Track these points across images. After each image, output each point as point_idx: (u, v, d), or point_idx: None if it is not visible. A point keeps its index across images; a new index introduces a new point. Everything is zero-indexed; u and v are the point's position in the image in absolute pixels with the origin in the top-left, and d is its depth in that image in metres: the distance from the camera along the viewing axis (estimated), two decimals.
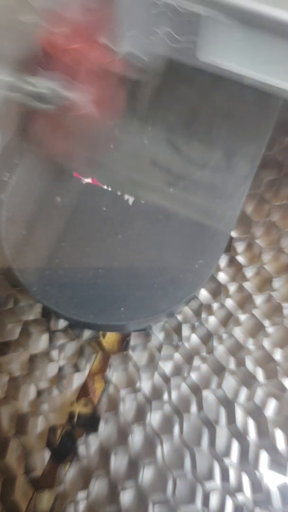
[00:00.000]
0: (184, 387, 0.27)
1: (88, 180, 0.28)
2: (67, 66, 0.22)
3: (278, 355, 0.28)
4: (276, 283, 0.29)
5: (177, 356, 0.28)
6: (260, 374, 0.28)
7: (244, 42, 0.22)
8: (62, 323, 0.29)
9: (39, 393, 0.27)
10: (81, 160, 0.28)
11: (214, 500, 0.25)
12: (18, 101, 0.23)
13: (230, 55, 0.23)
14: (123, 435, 0.26)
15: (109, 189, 0.29)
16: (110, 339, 0.29)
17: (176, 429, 0.26)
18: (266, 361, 0.28)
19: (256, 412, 0.27)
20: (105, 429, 0.27)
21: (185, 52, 0.22)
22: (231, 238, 0.31)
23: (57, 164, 0.29)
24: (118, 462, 0.26)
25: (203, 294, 0.30)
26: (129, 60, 0.23)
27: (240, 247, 0.31)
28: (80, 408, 0.27)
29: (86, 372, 0.28)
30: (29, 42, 0.22)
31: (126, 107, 0.27)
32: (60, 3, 0.21)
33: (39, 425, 0.27)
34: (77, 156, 0.28)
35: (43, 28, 0.22)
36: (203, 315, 0.29)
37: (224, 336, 0.28)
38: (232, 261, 0.30)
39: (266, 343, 0.28)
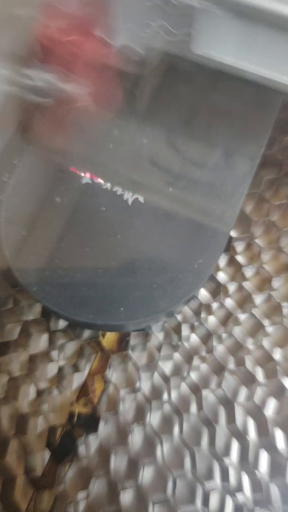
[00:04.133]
0: (184, 386, 0.27)
1: (87, 177, 0.28)
2: (64, 59, 0.22)
3: (277, 354, 0.28)
4: (276, 283, 0.29)
5: (177, 356, 0.28)
6: (260, 374, 0.27)
7: (240, 35, 0.21)
8: (61, 323, 0.29)
9: (39, 393, 0.27)
10: (78, 155, 0.28)
11: (214, 500, 0.25)
12: (13, 94, 0.23)
13: (226, 48, 0.22)
14: (123, 435, 0.26)
15: (108, 188, 0.29)
16: (109, 339, 0.29)
17: (176, 429, 0.26)
18: (266, 360, 0.28)
19: (256, 412, 0.27)
20: (105, 429, 0.27)
21: (180, 45, 0.22)
22: (231, 238, 0.31)
23: (57, 164, 0.29)
24: (118, 462, 0.26)
25: (203, 293, 0.30)
26: (125, 53, 0.23)
27: (239, 246, 0.31)
28: (80, 408, 0.27)
29: (86, 372, 0.28)
30: (24, 36, 0.22)
31: (123, 102, 0.27)
32: None
33: (39, 425, 0.27)
34: (74, 150, 0.28)
35: (39, 22, 0.22)
36: (203, 315, 0.29)
37: (224, 335, 0.28)
38: (232, 261, 0.30)
39: (266, 343, 0.28)
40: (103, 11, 0.21)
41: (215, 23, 0.21)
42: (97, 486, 0.25)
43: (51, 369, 0.28)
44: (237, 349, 0.28)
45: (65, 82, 0.22)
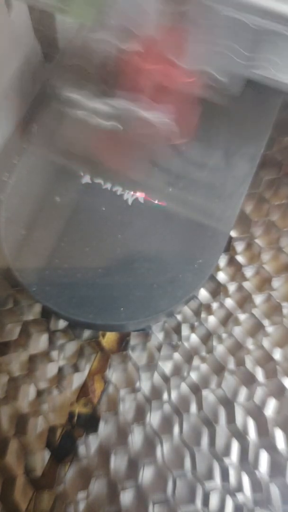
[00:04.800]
0: (184, 386, 0.27)
1: (85, 174, 0.28)
2: (145, 86, 0.21)
3: (277, 354, 0.28)
4: (276, 283, 0.29)
5: (177, 356, 0.28)
6: (259, 374, 0.28)
7: None
8: (61, 323, 0.29)
9: (39, 393, 0.27)
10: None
11: (214, 500, 0.25)
12: (90, 121, 0.23)
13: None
14: (123, 435, 0.26)
15: (108, 188, 0.29)
16: (109, 339, 0.29)
17: (176, 429, 0.26)
18: (266, 360, 0.28)
19: (256, 412, 0.27)
20: (105, 429, 0.27)
21: (259, 71, 0.22)
22: (231, 238, 0.31)
23: (56, 164, 0.29)
24: (118, 462, 0.26)
25: (203, 293, 0.30)
26: (205, 79, 0.22)
27: (239, 246, 0.31)
28: (80, 408, 0.27)
29: (86, 372, 0.28)
30: (102, 61, 0.22)
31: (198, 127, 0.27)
32: (134, 21, 0.20)
33: (39, 425, 0.27)
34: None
35: (113, 45, 0.21)
36: (203, 315, 0.29)
37: (224, 335, 0.28)
38: (232, 261, 0.30)
39: (266, 343, 0.28)
40: (180, 35, 0.20)
41: (282, 43, 0.20)
42: (97, 486, 0.25)
43: (51, 369, 0.28)
44: (237, 349, 0.28)
45: (145, 110, 0.21)
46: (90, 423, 0.27)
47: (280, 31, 0.19)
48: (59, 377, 0.28)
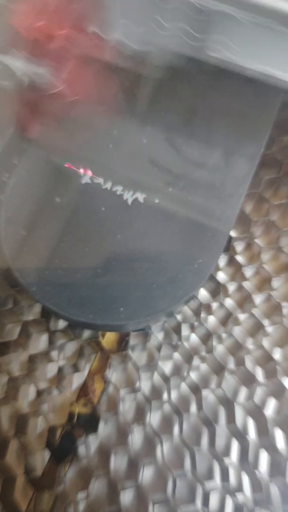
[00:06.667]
0: (184, 386, 0.27)
1: (88, 175, 0.28)
2: (48, 51, 0.22)
3: (277, 354, 0.28)
4: (276, 283, 0.29)
5: (177, 355, 0.28)
6: (259, 374, 0.27)
7: (253, 35, 0.21)
8: (61, 323, 0.29)
9: (39, 393, 0.27)
10: (77, 154, 0.28)
11: (214, 500, 0.25)
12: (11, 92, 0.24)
13: (243, 50, 0.22)
14: (123, 435, 0.26)
15: (108, 188, 0.29)
16: (109, 339, 0.29)
17: (176, 429, 0.26)
18: (266, 360, 0.28)
19: (256, 412, 0.27)
20: (105, 429, 0.27)
21: (211, 52, 0.22)
22: (230, 238, 0.31)
23: (57, 164, 0.29)
24: (118, 462, 0.26)
25: (203, 293, 0.30)
26: (121, 49, 0.22)
27: (239, 246, 0.31)
28: (80, 408, 0.27)
29: (86, 372, 0.28)
30: (7, 27, 0.22)
31: (122, 100, 0.27)
32: None
33: (39, 425, 0.27)
34: (72, 149, 0.28)
35: (22, 13, 0.21)
36: (203, 315, 0.29)
37: (224, 335, 0.28)
38: (231, 261, 0.30)
39: (266, 343, 0.28)
40: (95, 5, 0.21)
41: (232, 25, 0.20)
42: (97, 486, 0.25)
43: (51, 369, 0.28)
44: (237, 349, 0.28)
45: (44, 71, 0.22)
46: (90, 423, 0.27)
47: (228, 12, 0.19)
48: (59, 377, 0.28)
